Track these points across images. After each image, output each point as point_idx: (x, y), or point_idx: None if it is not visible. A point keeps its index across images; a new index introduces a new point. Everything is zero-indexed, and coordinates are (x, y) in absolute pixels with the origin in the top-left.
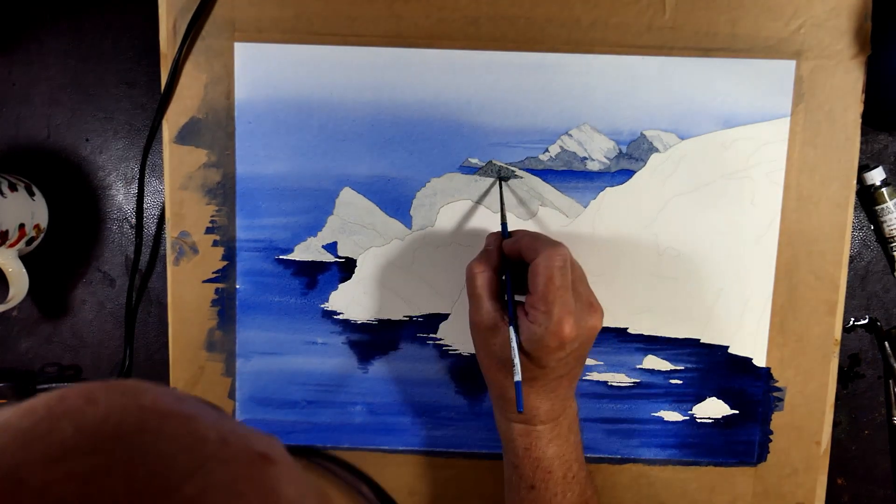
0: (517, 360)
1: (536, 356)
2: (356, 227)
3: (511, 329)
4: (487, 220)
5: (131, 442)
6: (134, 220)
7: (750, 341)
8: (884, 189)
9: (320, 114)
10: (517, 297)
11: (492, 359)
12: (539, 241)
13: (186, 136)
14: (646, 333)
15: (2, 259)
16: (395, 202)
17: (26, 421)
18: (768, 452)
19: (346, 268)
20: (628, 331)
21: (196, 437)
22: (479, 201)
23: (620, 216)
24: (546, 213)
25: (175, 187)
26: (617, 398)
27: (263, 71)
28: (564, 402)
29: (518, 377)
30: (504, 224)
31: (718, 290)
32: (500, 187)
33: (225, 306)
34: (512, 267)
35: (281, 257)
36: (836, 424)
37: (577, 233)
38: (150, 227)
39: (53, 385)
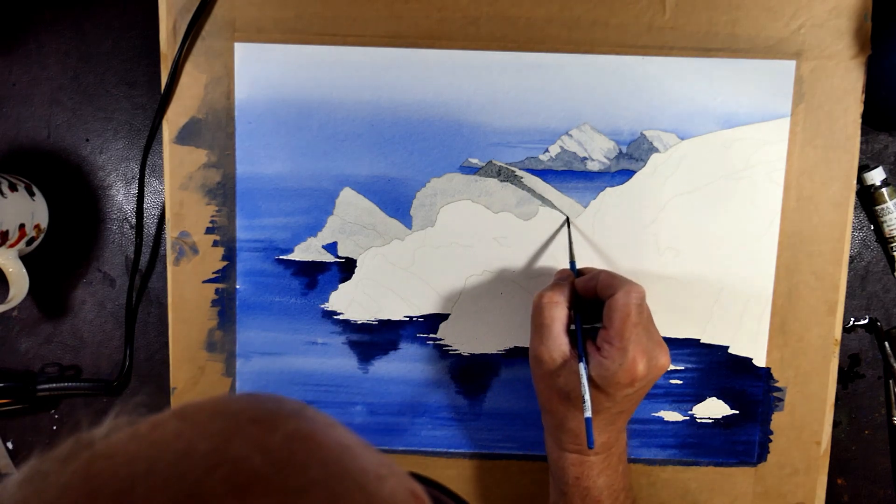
0: (588, 397)
1: (606, 391)
2: (356, 227)
3: (582, 365)
4: (488, 221)
5: (313, 474)
6: (134, 220)
7: (750, 341)
8: (884, 189)
9: (320, 114)
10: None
11: (553, 391)
12: (616, 279)
13: (186, 136)
14: None
15: (2, 259)
16: (395, 202)
17: (206, 441)
18: (768, 452)
19: (346, 268)
20: None
21: (359, 471)
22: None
23: (620, 216)
24: (546, 213)
25: (175, 187)
26: None
27: (263, 71)
28: (619, 434)
29: (588, 413)
30: (573, 261)
31: (718, 290)
32: (569, 227)
33: (225, 306)
34: (583, 303)
35: (281, 257)
36: (836, 424)
37: (576, 232)
38: (150, 227)
39: (53, 385)
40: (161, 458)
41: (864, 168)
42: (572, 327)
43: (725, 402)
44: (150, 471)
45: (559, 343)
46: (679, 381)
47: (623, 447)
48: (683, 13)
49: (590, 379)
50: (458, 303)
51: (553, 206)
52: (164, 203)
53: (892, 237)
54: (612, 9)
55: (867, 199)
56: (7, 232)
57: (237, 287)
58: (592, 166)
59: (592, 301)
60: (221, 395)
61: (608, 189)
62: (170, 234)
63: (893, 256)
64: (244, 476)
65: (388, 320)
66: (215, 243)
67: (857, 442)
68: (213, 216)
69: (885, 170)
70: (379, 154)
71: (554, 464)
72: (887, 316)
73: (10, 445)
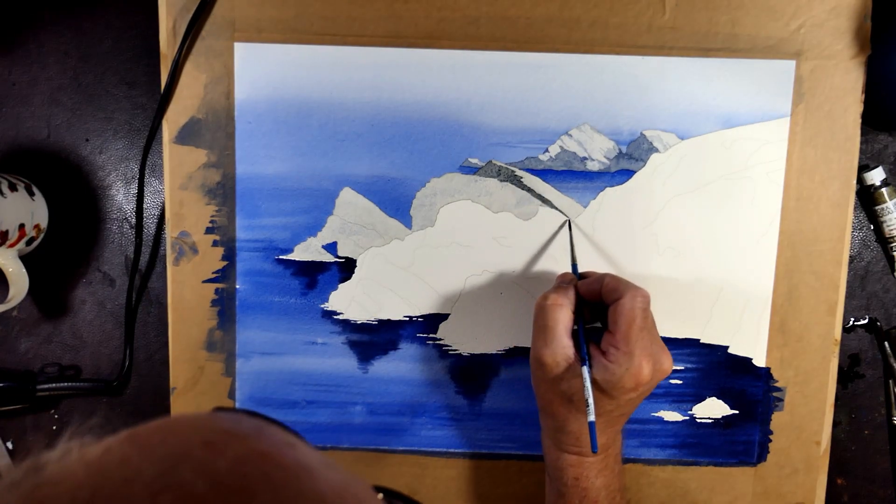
0: (591, 400)
1: (611, 395)
2: (356, 227)
3: (585, 368)
4: (488, 221)
5: (261, 500)
6: (134, 220)
7: (750, 341)
8: (884, 189)
9: (320, 114)
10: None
11: (555, 394)
12: (621, 283)
13: (186, 136)
14: None
15: (2, 259)
16: (395, 202)
17: (153, 467)
18: (768, 452)
19: (346, 268)
20: None
21: (316, 495)
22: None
23: (620, 216)
24: (546, 213)
25: (175, 187)
26: None
27: (263, 71)
28: (616, 435)
29: (592, 417)
30: (574, 264)
31: (718, 290)
32: (570, 229)
33: (225, 306)
34: (585, 306)
35: (281, 257)
36: (836, 424)
37: (577, 233)
38: (150, 227)
39: (54, 385)
40: (105, 484)
41: (864, 168)
42: (574, 328)
43: (725, 402)
44: (93, 498)
45: (563, 346)
46: (679, 381)
47: (619, 448)
48: (683, 13)
49: (594, 382)
50: (458, 303)
51: (553, 206)
52: (163, 203)
53: (892, 237)
54: (612, 9)
55: (867, 199)
56: (7, 232)
57: (237, 287)
58: (592, 166)
59: (594, 304)
60: (179, 414)
61: (608, 189)
62: (170, 233)
63: (893, 256)
64: (187, 503)
65: (388, 320)
66: (215, 243)
67: (856, 442)
68: (212, 216)
69: (885, 170)
70: (379, 154)
71: (552, 465)
72: (887, 316)
73: (9, 445)
